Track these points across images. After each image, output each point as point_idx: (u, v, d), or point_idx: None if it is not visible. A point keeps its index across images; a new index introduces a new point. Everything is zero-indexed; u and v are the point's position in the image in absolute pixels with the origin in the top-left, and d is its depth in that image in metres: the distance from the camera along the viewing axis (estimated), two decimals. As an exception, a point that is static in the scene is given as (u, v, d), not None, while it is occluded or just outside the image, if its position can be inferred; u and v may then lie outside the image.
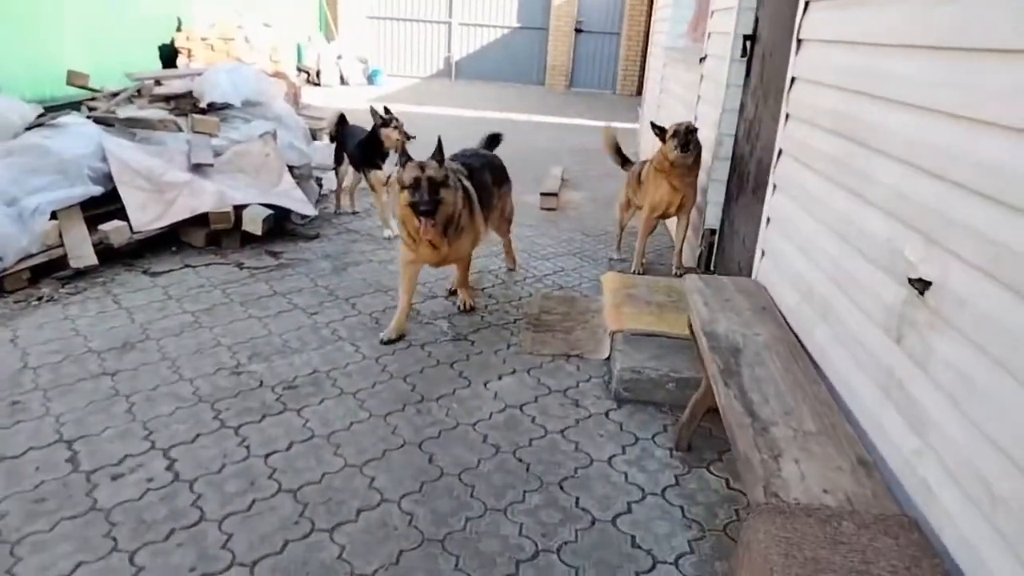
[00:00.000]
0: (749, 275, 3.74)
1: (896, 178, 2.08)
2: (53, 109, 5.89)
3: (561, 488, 2.81)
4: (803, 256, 2.76)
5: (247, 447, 2.96)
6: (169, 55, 10.55)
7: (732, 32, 4.42)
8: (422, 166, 3.70)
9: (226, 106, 6.45)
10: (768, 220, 3.19)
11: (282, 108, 6.84)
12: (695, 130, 4.57)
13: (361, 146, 5.83)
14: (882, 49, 2.28)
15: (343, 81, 16.72)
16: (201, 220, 5.15)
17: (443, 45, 18.98)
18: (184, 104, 6.43)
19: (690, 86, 6.04)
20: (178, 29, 10.75)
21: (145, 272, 4.78)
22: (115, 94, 6.71)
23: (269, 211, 5.31)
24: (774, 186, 3.15)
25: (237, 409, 3.22)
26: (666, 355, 3.56)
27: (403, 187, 3.70)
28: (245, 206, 5.27)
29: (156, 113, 6.03)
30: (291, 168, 5.96)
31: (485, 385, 3.57)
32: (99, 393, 3.30)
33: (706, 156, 4.78)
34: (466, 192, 4.00)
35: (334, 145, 6.33)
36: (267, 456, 2.90)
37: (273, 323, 4.12)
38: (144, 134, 5.66)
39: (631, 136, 11.61)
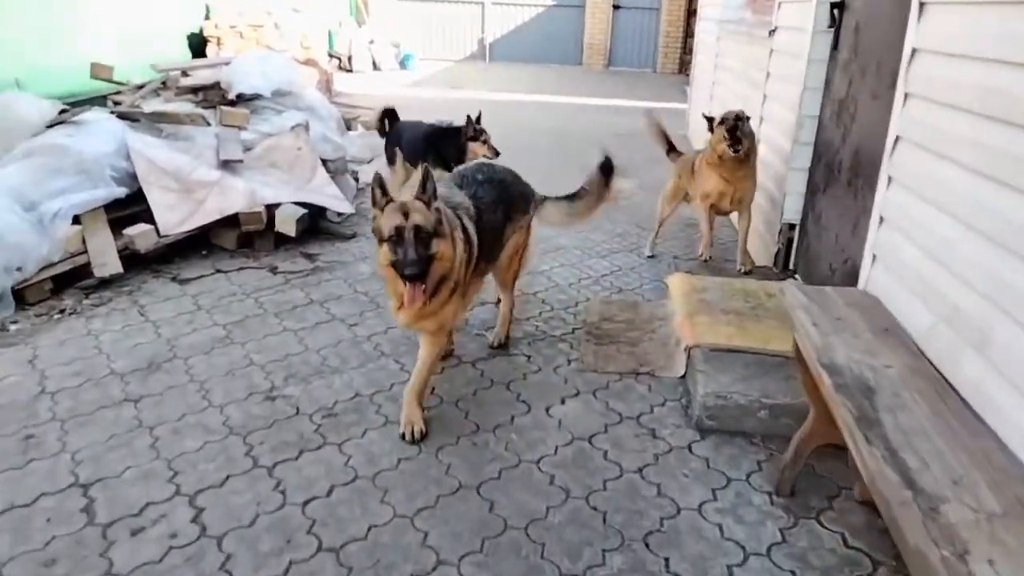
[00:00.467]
0: (850, 281, 3.26)
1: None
2: (76, 105, 5.59)
3: (647, 546, 2.39)
4: (939, 266, 2.29)
5: (283, 492, 2.59)
6: (198, 45, 10.26)
7: (814, 0, 3.90)
8: (406, 210, 2.63)
9: (256, 97, 6.09)
10: (881, 219, 2.71)
11: (314, 97, 6.47)
12: (746, 118, 4.08)
13: (437, 149, 5.32)
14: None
15: (375, 66, 16.33)
16: (232, 221, 4.81)
17: (477, 26, 18.47)
18: (212, 96, 6.09)
19: (753, 62, 5.51)
20: (206, 17, 10.44)
21: (174, 279, 4.46)
22: (140, 87, 6.40)
23: (303, 210, 4.95)
24: (889, 179, 2.66)
25: (272, 443, 2.86)
26: (754, 376, 3.11)
27: (381, 239, 2.68)
28: (277, 205, 4.91)
29: (183, 107, 5.70)
30: (325, 162, 5.58)
31: (547, 411, 3.16)
32: (121, 424, 2.97)
33: (783, 142, 4.27)
34: (467, 236, 2.98)
35: (384, 141, 5.79)
36: (305, 504, 2.53)
37: (310, 337, 3.76)
38: (171, 129, 5.34)
39: (678, 118, 11.04)
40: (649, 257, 5.09)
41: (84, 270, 4.27)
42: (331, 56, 14.88)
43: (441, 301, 2.87)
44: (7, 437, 2.86)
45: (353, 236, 5.31)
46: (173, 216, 4.69)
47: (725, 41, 7.18)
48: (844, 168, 3.50)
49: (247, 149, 5.28)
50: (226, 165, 5.03)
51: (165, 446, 2.83)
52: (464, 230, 2.97)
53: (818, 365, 2.18)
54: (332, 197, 5.31)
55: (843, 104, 3.58)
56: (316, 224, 5.25)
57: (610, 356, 3.64)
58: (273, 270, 4.65)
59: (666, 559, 2.33)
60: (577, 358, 3.63)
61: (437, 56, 18.42)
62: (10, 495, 2.53)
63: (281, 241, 5.00)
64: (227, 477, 2.66)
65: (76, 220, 4.39)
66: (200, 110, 5.57)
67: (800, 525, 2.49)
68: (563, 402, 3.24)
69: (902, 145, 2.59)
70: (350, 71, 15.39)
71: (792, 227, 4.26)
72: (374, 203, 2.72)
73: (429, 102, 11.97)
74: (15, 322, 3.82)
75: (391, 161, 5.57)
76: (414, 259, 2.60)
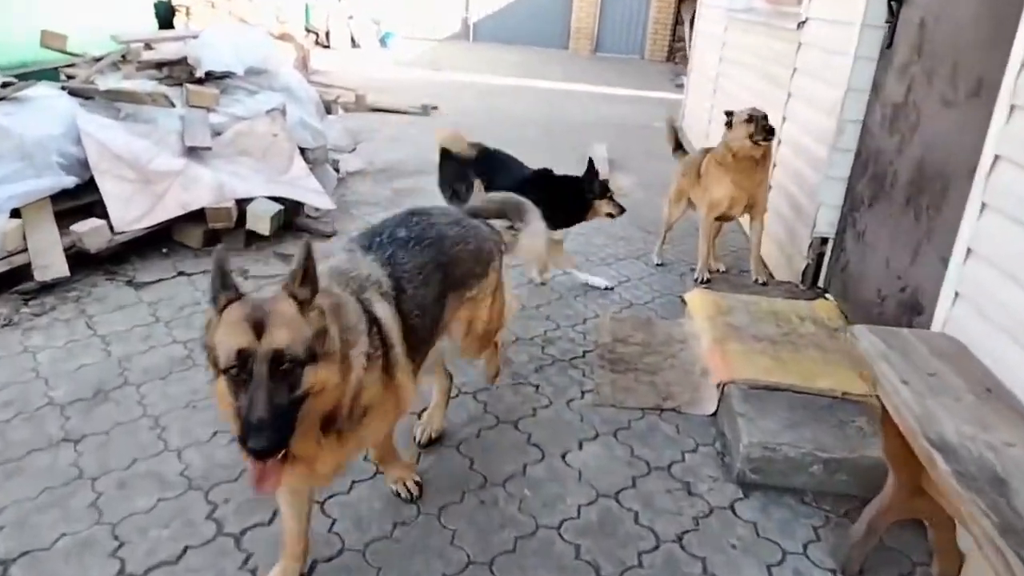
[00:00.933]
0: (909, 313, 2.87)
1: None
2: (23, 78, 4.98)
3: (700, 648, 1.98)
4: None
5: (253, 571, 2.12)
6: (165, 15, 9.56)
7: (861, -10, 3.47)
8: (259, 319, 1.56)
9: (227, 75, 5.51)
10: (969, 251, 2.30)
11: (292, 77, 5.90)
12: (766, 116, 3.67)
13: (549, 202, 3.79)
14: None
15: (354, 43, 15.64)
16: (197, 216, 4.28)
17: (460, 5, 17.82)
18: (178, 72, 5.48)
19: (773, 56, 5.08)
20: (175, -15, 9.74)
21: (129, 283, 3.93)
22: (98, 60, 5.77)
23: (278, 206, 4.43)
24: (983, 205, 2.25)
25: (239, 501, 2.39)
26: (803, 422, 2.70)
27: (218, 369, 1.60)
28: (249, 200, 4.39)
29: (144, 84, 5.11)
30: (303, 151, 5.05)
31: (563, 458, 2.73)
32: (56, 474, 2.46)
33: (815, 147, 3.86)
34: (379, 331, 1.90)
35: (451, 172, 4.28)
36: (281, 588, 2.07)
37: (285, 359, 3.27)
38: (130, 109, 4.75)
39: (671, 110, 10.61)
40: (658, 265, 4.67)
41: (23, 272, 3.72)
42: (308, 31, 14.18)
43: (349, 435, 1.80)
44: (-87, 491, 2.35)
45: (334, 234, 4.80)
46: (129, 210, 4.13)
47: (734, 31, 6.75)
48: (900, 183, 3.09)
49: (216, 134, 4.72)
50: (192, 152, 4.48)
51: (109, 505, 2.34)
52: (374, 325, 1.87)
53: (925, 443, 1.76)
54: (311, 191, 4.80)
55: (899, 110, 3.17)
56: (292, 220, 4.73)
57: (629, 388, 3.21)
58: (243, 274, 4.13)
59: (725, 669, 1.92)
60: (592, 389, 3.20)
61: (420, 35, 17.75)
62: (-91, 575, 2.04)
63: (252, 239, 4.48)
64: (185, 549, 2.18)
65: (15, 213, 3.83)
66: (164, 88, 4.98)
67: (877, 620, 2.10)
68: (581, 446, 2.81)
69: (1003, 166, 2.18)
70: (327, 47, 14.69)
71: (824, 241, 3.85)
72: (214, 297, 1.61)
73: (412, 84, 11.40)
74: (-62, 335, 3.29)
75: (456, 199, 4.10)
76: (264, 418, 1.48)
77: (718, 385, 3.00)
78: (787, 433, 2.62)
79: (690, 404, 3.09)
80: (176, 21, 9.55)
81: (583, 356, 3.49)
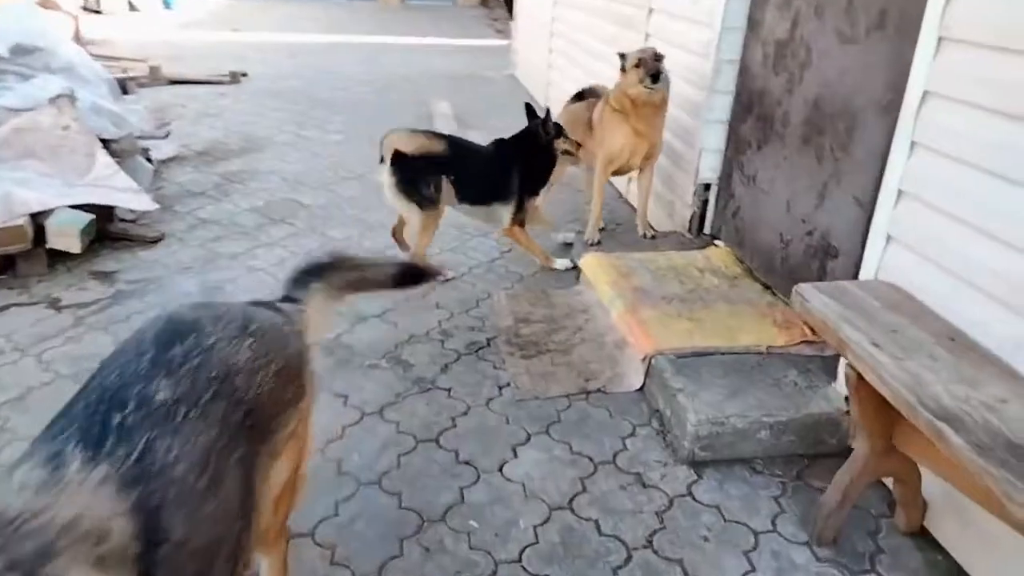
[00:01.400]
0: (822, 256, 2.81)
1: None
2: None
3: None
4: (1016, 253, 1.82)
5: None
6: None
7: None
8: None
9: (-16, 57, 4.45)
10: (900, 193, 2.21)
11: (74, 54, 4.90)
12: (662, 57, 3.49)
13: (523, 170, 3.66)
14: None
15: (132, 7, 13.76)
16: (-23, 240, 3.41)
17: (249, -43, 16.16)
18: (-86, 57, 4.36)
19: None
20: None
21: None
22: None
23: (88, 216, 3.64)
24: (912, 144, 2.16)
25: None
26: (741, 387, 2.58)
27: None
28: (47, 212, 3.56)
29: None
30: (106, 143, 4.21)
31: (501, 471, 2.42)
32: None
33: (689, 90, 3.72)
34: None
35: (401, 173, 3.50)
36: None
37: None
38: None
39: (498, 57, 10.30)
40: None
41: None
42: (72, -5, 12.21)
43: None
44: None
45: (161, 238, 4.06)
46: None
47: (565, -29, 6.50)
48: (793, 124, 3.00)
49: (-17, 133, 3.79)
50: (-46, 160, 3.55)
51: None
52: None
53: (927, 415, 1.63)
54: (123, 191, 4.00)
55: (784, 48, 3.06)
56: (105, 229, 3.93)
57: (547, 374, 2.94)
58: (55, 304, 3.36)
59: None
60: (508, 382, 2.90)
61: (206, -8, 15.94)
62: None
63: (58, 258, 3.67)
64: None
65: None
66: None
67: (869, 590, 2.02)
68: (516, 454, 2.51)
69: (935, 102, 2.08)
70: (99, 12, 12.78)
71: (707, 187, 3.76)
72: None
73: (211, 49, 10.18)
74: None
75: (427, 202, 3.52)
76: None
77: (644, 359, 2.81)
78: (731, 403, 2.48)
79: (614, 381, 2.89)
80: None
81: (488, 345, 3.17)
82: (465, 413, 2.71)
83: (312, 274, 1.78)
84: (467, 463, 2.45)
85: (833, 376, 2.60)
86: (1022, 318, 1.82)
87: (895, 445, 2.02)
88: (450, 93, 7.95)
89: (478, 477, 2.39)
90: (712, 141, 3.64)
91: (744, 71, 3.40)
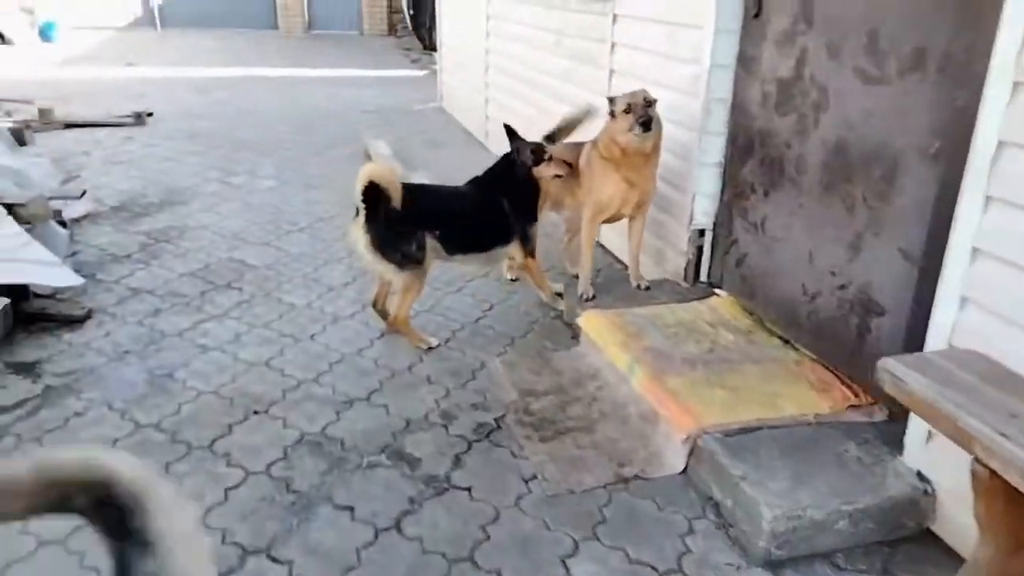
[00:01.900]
0: (860, 312, 2.62)
1: None
2: None
3: None
4: None
5: None
6: None
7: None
8: None
9: None
10: (975, 251, 2.05)
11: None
12: (654, 101, 3.26)
13: (510, 205, 3.38)
14: None
15: (3, 40, 12.62)
16: None
17: (139, -15, 15.26)
18: None
19: (578, 28, 4.69)
20: None
21: None
22: None
23: (1, 298, 3.05)
24: (988, 199, 2.00)
25: None
26: (807, 470, 2.33)
27: None
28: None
29: None
30: (10, 208, 3.59)
31: (558, 595, 2.07)
32: None
33: (676, 131, 3.51)
34: None
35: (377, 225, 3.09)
36: None
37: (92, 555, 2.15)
38: None
39: (421, 89, 9.98)
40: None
41: None
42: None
43: None
44: None
45: (88, 316, 3.48)
46: None
47: (502, 4, 6.27)
48: (810, 168, 2.83)
49: None
50: None
51: None
52: None
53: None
54: (38, 264, 3.41)
55: (790, 87, 2.89)
56: (20, 310, 3.33)
57: (575, 461, 2.62)
58: (-36, 412, 2.76)
59: None
60: (534, 473, 2.55)
61: (92, 23, 14.87)
62: None
63: (-37, 352, 3.06)
64: None
65: None
66: None
67: None
68: (567, 569, 2.16)
69: (1012, 152, 1.92)
70: (-34, 48, 11.63)
71: (701, 233, 3.56)
72: None
73: (105, 86, 9.36)
74: None
75: (410, 262, 3.16)
76: None
77: (687, 439, 2.53)
78: (803, 491, 2.23)
79: (651, 464, 2.59)
80: None
81: (498, 427, 2.82)
82: (496, 519, 2.34)
83: None
84: (515, 587, 2.09)
85: (894, 446, 2.40)
86: None
87: None
88: (381, 129, 7.55)
89: (533, 605, 2.04)
90: (706, 185, 3.45)
91: (738, 111, 3.22)
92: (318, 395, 2.97)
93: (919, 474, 2.30)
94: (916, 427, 2.30)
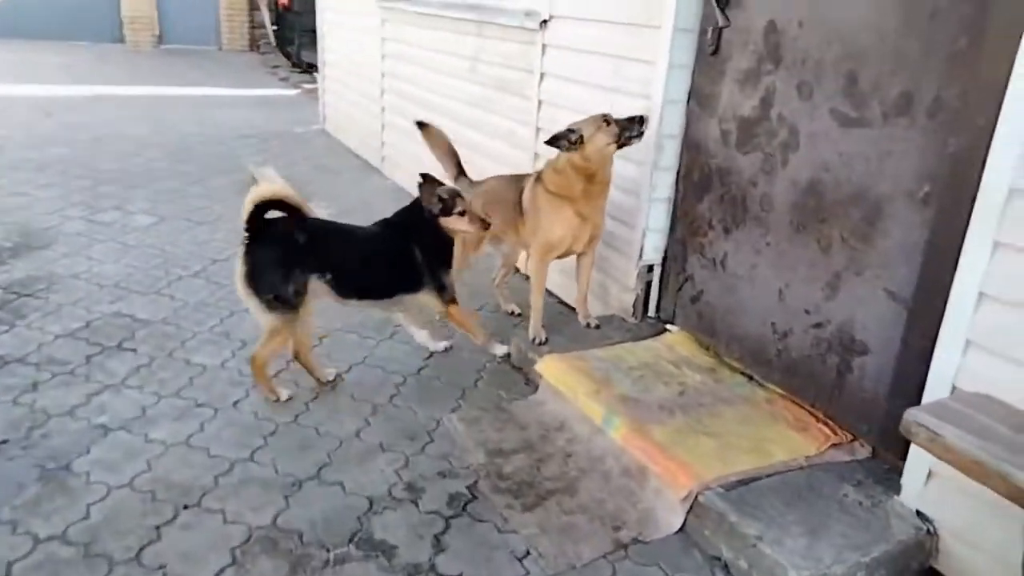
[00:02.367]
0: (840, 352, 2.60)
1: None
2: None
3: None
4: None
5: None
6: None
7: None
8: None
9: None
10: (981, 295, 2.04)
11: None
12: (642, 119, 3.06)
13: (420, 257, 3.08)
14: None
15: None
16: None
17: (-48, -10, 13.47)
18: None
19: (498, 56, 4.51)
20: None
21: None
22: None
23: None
24: (995, 244, 2.00)
25: None
26: (816, 521, 2.24)
27: None
28: None
29: None
30: None
31: None
32: None
33: (626, 168, 3.39)
34: None
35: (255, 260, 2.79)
36: None
37: None
38: None
39: (298, 108, 9.43)
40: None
41: None
42: None
43: None
44: None
45: (-56, 399, 2.84)
46: None
47: (402, 26, 5.98)
48: (777, 208, 2.78)
49: None
50: None
51: None
52: None
53: None
54: None
55: (754, 126, 2.84)
56: None
57: (566, 530, 2.40)
58: None
59: None
60: (526, 550, 2.31)
61: None
62: None
63: None
64: None
65: None
66: None
67: None
68: (592, 663, 1.94)
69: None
70: None
71: (650, 269, 3.47)
72: None
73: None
74: None
75: (281, 304, 2.82)
76: None
77: (686, 496, 2.38)
78: (820, 547, 2.14)
79: (647, 526, 2.42)
80: None
81: (473, 497, 2.54)
82: (499, 613, 2.08)
83: None
84: None
85: (887, 486, 2.38)
86: None
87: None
88: (263, 155, 7.01)
89: None
90: (656, 221, 3.37)
91: (693, 147, 3.15)
92: (258, 477, 2.56)
93: (919, 513, 2.28)
94: (915, 467, 2.27)
